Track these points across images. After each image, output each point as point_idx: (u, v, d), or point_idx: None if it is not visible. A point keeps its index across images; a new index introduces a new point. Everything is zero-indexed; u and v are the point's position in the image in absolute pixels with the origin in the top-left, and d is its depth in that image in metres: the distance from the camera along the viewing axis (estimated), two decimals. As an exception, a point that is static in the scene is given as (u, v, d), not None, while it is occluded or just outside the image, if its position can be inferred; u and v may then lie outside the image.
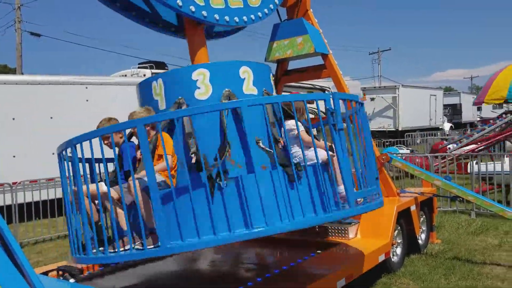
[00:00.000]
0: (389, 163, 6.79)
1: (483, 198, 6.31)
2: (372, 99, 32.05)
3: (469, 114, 42.27)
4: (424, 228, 7.21)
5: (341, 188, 3.94)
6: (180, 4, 4.61)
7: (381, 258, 5.56)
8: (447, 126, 34.21)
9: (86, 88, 11.99)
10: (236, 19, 5.06)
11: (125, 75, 16.72)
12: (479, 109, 43.13)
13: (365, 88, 33.42)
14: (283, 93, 8.24)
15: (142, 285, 4.91)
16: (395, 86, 32.29)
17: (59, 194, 9.73)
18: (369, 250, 5.40)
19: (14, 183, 9.42)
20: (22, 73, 26.00)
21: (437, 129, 33.29)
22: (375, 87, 34.44)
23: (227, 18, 4.96)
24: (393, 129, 31.06)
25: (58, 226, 9.66)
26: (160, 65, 18.35)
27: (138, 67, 18.03)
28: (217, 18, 4.89)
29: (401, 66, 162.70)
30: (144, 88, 4.60)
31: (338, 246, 5.66)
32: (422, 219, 7.20)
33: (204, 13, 4.78)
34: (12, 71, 41.17)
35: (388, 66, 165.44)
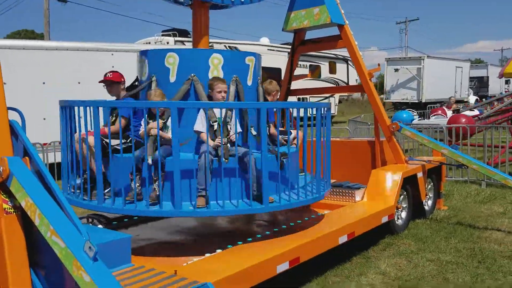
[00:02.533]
0: (399, 132, 7.05)
1: (487, 166, 6.55)
2: (396, 70, 31.84)
3: (496, 87, 41.39)
4: (431, 195, 7.52)
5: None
6: None
7: (384, 219, 5.92)
8: (472, 99, 33.67)
9: (112, 54, 12.44)
10: None
11: (149, 43, 17.12)
12: (507, 82, 42.18)
13: (389, 58, 33.14)
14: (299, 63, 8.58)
15: (163, 236, 5.40)
16: (420, 57, 31.88)
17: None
18: (372, 211, 5.77)
19: (44, 144, 10.02)
20: (50, 39, 26.65)
21: (462, 101, 32.91)
22: (400, 58, 34.10)
23: None
24: (416, 101, 30.87)
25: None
26: (183, 33, 18.64)
27: (162, 35, 18.38)
28: None
29: (430, 37, 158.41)
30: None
31: (344, 207, 6.03)
32: (429, 186, 7.51)
33: None
34: (39, 37, 42.01)
35: (417, 37, 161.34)
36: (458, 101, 32.61)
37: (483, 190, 9.04)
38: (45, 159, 9.79)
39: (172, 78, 4.89)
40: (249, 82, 5.15)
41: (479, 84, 41.19)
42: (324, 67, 25.52)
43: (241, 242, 4.65)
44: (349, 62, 26.26)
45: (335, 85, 23.99)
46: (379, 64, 7.70)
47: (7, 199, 2.80)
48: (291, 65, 7.82)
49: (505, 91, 40.11)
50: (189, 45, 16.03)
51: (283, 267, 4.29)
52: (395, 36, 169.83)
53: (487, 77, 41.40)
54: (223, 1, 5.31)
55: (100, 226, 4.83)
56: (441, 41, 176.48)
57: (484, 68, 43.50)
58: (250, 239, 4.77)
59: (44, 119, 11.30)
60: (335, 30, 7.28)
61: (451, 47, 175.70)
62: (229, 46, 19.25)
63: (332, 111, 26.62)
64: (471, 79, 38.73)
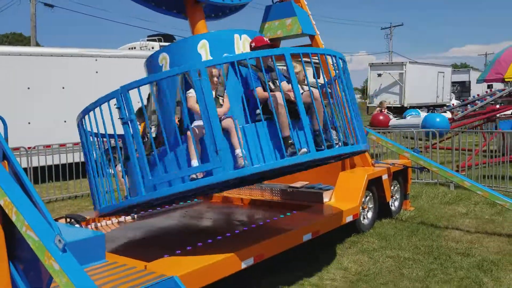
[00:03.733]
0: (366, 136, 7.43)
1: (445, 169, 6.97)
2: (379, 75, 32.42)
3: (478, 91, 42.23)
4: (397, 196, 7.93)
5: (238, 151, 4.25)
6: None
7: (349, 218, 6.29)
8: (454, 103, 34.46)
9: (96, 60, 12.71)
10: None
11: (134, 48, 17.39)
12: (489, 86, 43.05)
13: (372, 64, 33.73)
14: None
15: (138, 235, 5.72)
16: (402, 62, 32.52)
17: (70, 158, 10.62)
18: (337, 211, 6.15)
19: (29, 148, 10.27)
20: (36, 42, 26.78)
21: (443, 106, 33.57)
22: (382, 63, 34.67)
23: None
24: (399, 105, 31.48)
25: (69, 188, 10.56)
26: (168, 37, 18.95)
27: (147, 40, 18.66)
28: None
29: (416, 42, 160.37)
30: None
31: (311, 207, 6.40)
32: (396, 188, 7.92)
33: None
34: (27, 40, 42.00)
35: (403, 41, 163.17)
36: (440, 105, 33.46)
37: (451, 191, 9.48)
38: (28, 163, 10.02)
39: None
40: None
41: (461, 89, 42.02)
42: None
43: (211, 240, 4.99)
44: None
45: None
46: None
47: (-13, 199, 3.11)
48: (266, 73, 8.17)
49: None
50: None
51: (248, 262, 4.64)
52: (383, 41, 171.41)
53: (469, 81, 42.25)
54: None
55: (77, 225, 5.14)
56: (428, 45, 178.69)
57: (466, 73, 44.37)
58: (219, 237, 5.11)
59: (29, 123, 11.53)
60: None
61: (437, 51, 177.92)
62: None
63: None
64: (453, 83, 39.49)
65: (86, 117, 4.70)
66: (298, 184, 7.29)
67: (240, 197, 7.32)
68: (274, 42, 8.08)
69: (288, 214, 6.15)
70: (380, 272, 5.39)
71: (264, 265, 5.19)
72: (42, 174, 10.91)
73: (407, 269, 5.46)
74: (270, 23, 7.68)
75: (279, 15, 7.55)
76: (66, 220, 5.25)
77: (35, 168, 10.48)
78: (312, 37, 7.57)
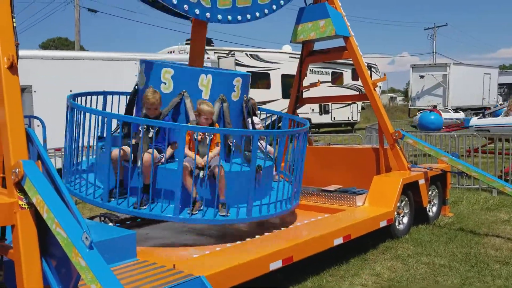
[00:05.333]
0: (402, 139, 7.27)
1: (486, 174, 6.71)
2: (422, 76, 31.64)
3: (527, 93, 40.56)
4: (435, 202, 7.70)
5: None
6: (186, 8, 5.36)
7: (383, 224, 6.16)
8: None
9: (136, 64, 13.01)
10: (239, 17, 5.75)
11: (173, 51, 17.73)
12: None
13: (415, 65, 32.96)
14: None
15: (171, 235, 5.80)
16: (446, 64, 31.64)
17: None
18: (370, 216, 6.03)
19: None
20: (81, 46, 27.75)
21: (487, 108, 32.40)
22: (425, 65, 33.84)
23: (229, 17, 5.67)
24: (442, 108, 30.59)
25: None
26: (206, 41, 19.17)
27: (186, 44, 18.97)
28: (220, 18, 5.61)
29: (462, 43, 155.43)
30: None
31: (344, 211, 6.31)
32: (434, 192, 7.69)
33: (208, 14, 5.53)
34: (72, 44, 43.55)
35: (448, 42, 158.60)
36: (486, 108, 32.30)
37: (493, 197, 9.12)
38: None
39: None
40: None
41: (509, 91, 40.40)
42: (347, 74, 25.68)
43: (240, 242, 5.00)
44: (372, 69, 26.35)
45: (358, 92, 24.13)
46: (385, 74, 7.95)
47: (22, 197, 3.24)
48: (300, 75, 8.17)
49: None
50: (210, 53, 16.52)
51: (276, 265, 4.62)
52: (426, 42, 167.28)
53: (517, 83, 40.58)
54: (220, 20, 5.67)
55: (110, 224, 5.27)
56: (474, 46, 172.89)
57: (515, 74, 42.64)
58: (248, 238, 5.12)
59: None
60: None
61: (484, 52, 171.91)
62: (250, 54, 19.69)
63: (355, 118, 26.73)
64: (500, 85, 38.04)
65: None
66: (332, 187, 7.21)
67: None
68: (308, 44, 8.08)
69: (320, 217, 6.09)
70: (413, 279, 5.24)
71: (294, 268, 5.16)
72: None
73: (442, 276, 5.28)
74: (303, 25, 7.66)
75: (312, 17, 7.52)
76: (100, 219, 5.40)
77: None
78: (346, 38, 7.48)
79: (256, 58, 20.03)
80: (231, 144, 5.13)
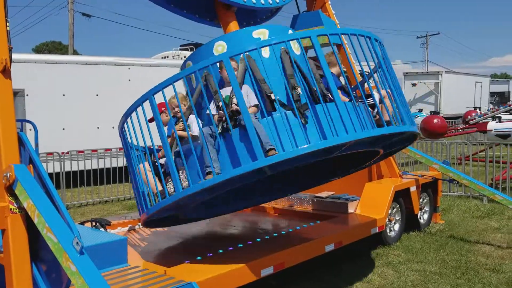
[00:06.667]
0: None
1: (476, 182, 6.77)
2: (414, 84, 31.88)
3: (518, 102, 40.97)
4: (427, 209, 7.74)
5: None
6: None
7: (374, 230, 6.18)
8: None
9: (129, 69, 13.03)
10: (262, 1, 5.67)
11: (167, 57, 17.74)
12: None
13: (407, 73, 33.21)
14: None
15: (163, 241, 5.79)
16: (438, 72, 31.92)
17: (102, 164, 10.90)
18: (361, 222, 6.06)
19: (62, 153, 10.59)
20: (74, 50, 27.69)
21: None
22: (417, 73, 34.12)
23: (254, 0, 5.58)
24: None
25: (100, 193, 10.80)
26: (200, 46, 19.23)
27: (180, 49, 19.01)
28: (245, 0, 5.53)
29: (454, 51, 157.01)
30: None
31: (335, 218, 6.33)
32: (425, 200, 7.73)
33: None
34: (66, 48, 43.47)
35: (440, 50, 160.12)
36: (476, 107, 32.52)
37: (484, 205, 9.18)
38: (61, 168, 10.32)
39: None
40: (266, 54, 4.73)
41: (500, 99, 40.80)
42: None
43: (232, 248, 5.00)
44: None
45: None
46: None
47: (13, 201, 3.22)
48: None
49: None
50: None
51: (268, 271, 4.63)
52: (419, 50, 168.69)
53: (509, 92, 41.02)
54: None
55: (101, 229, 5.25)
56: (466, 54, 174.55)
57: (506, 83, 43.12)
58: (240, 245, 5.11)
59: (63, 129, 11.89)
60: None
61: (476, 61, 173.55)
62: None
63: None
64: (492, 94, 38.42)
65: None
66: (324, 194, 7.23)
67: (268, 205, 7.29)
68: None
69: (312, 224, 6.10)
70: (404, 286, 5.26)
71: (287, 275, 5.17)
72: (75, 179, 11.23)
73: (432, 284, 5.31)
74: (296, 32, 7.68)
75: (306, 24, 7.54)
76: (91, 224, 5.38)
77: (68, 173, 10.79)
78: (339, 46, 7.52)
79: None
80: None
